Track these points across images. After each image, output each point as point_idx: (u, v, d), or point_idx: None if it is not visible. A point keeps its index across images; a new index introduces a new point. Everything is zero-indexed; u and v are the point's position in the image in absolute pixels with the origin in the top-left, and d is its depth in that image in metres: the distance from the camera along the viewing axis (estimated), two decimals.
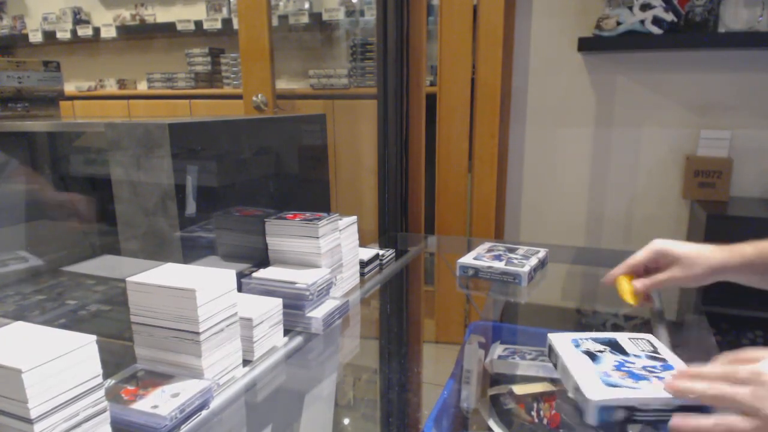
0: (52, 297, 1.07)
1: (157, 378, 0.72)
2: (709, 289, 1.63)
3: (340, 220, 1.11)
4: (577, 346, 0.70)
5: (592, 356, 0.67)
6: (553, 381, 0.76)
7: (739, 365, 0.55)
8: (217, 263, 1.06)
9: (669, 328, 0.97)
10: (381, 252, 1.32)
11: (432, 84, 2.23)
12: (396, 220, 1.90)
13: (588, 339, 0.73)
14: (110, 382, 0.71)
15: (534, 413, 0.72)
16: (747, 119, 1.78)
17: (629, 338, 0.74)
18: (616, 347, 0.71)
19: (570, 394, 0.63)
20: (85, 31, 3.49)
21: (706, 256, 0.81)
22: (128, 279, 0.74)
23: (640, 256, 0.87)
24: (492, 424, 0.72)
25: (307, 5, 2.87)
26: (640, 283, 0.85)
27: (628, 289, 0.85)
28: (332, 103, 2.62)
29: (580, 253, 1.66)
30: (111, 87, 3.64)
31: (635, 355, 0.68)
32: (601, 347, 0.70)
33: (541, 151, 2.02)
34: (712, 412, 0.54)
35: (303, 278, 0.96)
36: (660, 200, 1.92)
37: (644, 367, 0.64)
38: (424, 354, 1.04)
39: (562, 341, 0.71)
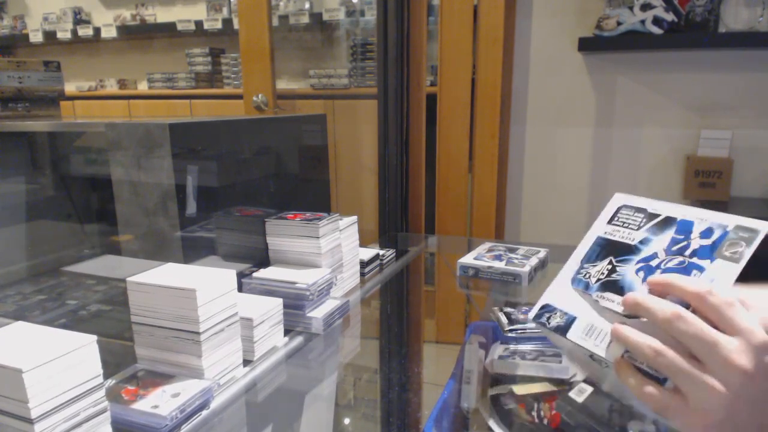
0: (53, 297, 1.07)
1: (158, 378, 0.72)
2: None
3: (341, 220, 1.11)
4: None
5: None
6: (553, 381, 0.76)
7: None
8: (218, 263, 1.06)
9: None
10: (381, 252, 1.32)
11: (432, 84, 2.23)
12: (396, 220, 1.90)
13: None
14: (111, 382, 0.71)
15: (534, 413, 0.72)
16: (747, 119, 1.77)
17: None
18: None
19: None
20: (85, 31, 3.49)
21: None
22: (129, 279, 0.74)
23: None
24: (492, 424, 0.72)
25: (307, 5, 2.87)
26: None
27: None
28: (332, 103, 2.62)
29: None
30: (111, 87, 3.64)
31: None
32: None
33: (542, 151, 2.02)
34: None
35: (303, 278, 0.96)
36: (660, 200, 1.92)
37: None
38: (424, 354, 1.04)
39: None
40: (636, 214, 0.57)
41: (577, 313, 0.54)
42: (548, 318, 0.57)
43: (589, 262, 0.57)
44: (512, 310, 0.94)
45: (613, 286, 0.53)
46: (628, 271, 0.53)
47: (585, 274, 0.56)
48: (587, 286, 0.55)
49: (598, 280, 0.54)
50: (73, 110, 3.40)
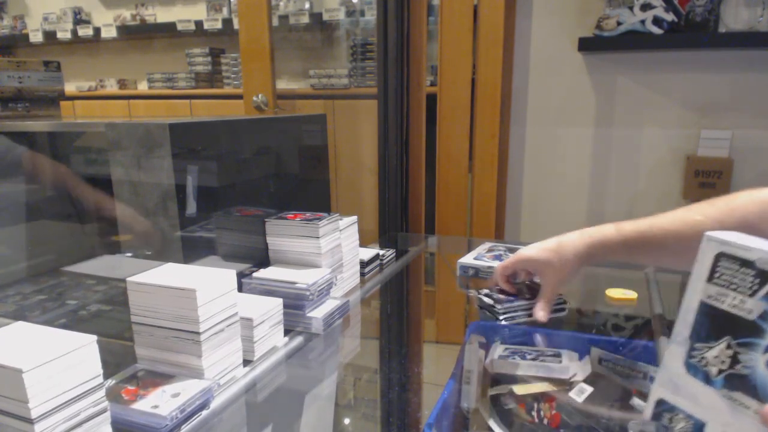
0: (53, 297, 1.07)
1: (158, 378, 0.72)
2: None
3: (341, 220, 1.11)
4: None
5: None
6: (553, 381, 0.76)
7: None
8: (218, 263, 1.06)
9: (670, 327, 0.97)
10: (381, 252, 1.32)
11: (432, 84, 2.23)
12: (396, 220, 1.90)
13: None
14: (111, 382, 0.71)
15: (534, 413, 0.72)
16: (747, 119, 1.77)
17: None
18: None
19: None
20: (85, 31, 3.49)
21: (568, 249, 0.87)
22: (129, 279, 0.74)
23: (509, 264, 0.95)
24: (492, 424, 0.72)
25: (307, 5, 2.87)
26: (542, 315, 0.90)
27: None
28: (332, 103, 2.62)
29: None
30: (111, 87, 3.64)
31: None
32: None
33: (542, 151, 2.02)
34: None
35: (303, 278, 0.96)
36: (660, 200, 1.92)
37: None
38: (424, 354, 1.04)
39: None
40: (744, 271, 0.46)
41: (704, 415, 0.47)
42: (670, 420, 0.49)
43: (701, 341, 0.48)
44: (487, 290, 1.01)
45: (742, 382, 0.44)
46: (758, 363, 0.44)
47: (701, 360, 0.48)
48: (707, 378, 0.47)
49: (720, 371, 0.46)
50: (73, 110, 3.40)
